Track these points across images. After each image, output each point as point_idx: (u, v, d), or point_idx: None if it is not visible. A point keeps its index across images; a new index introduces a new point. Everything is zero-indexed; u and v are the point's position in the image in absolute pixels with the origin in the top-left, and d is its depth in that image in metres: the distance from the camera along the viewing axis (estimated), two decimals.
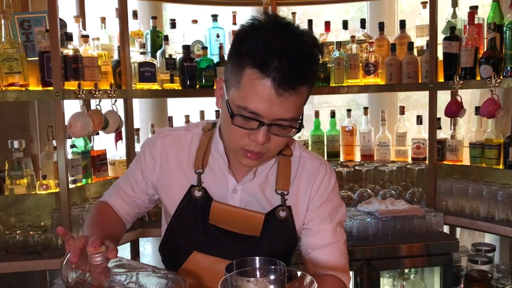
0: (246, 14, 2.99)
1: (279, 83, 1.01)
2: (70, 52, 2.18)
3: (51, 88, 2.07)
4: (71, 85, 2.15)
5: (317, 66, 1.10)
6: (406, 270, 2.59)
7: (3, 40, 2.07)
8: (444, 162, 2.70)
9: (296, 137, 2.82)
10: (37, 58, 2.15)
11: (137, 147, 2.60)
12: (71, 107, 2.27)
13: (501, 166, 2.47)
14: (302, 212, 1.29)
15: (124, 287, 0.91)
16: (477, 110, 2.55)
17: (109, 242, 1.00)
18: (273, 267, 0.71)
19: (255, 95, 1.03)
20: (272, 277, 0.69)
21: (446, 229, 2.65)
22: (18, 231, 2.16)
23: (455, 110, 2.54)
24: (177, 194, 1.27)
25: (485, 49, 2.47)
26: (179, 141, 1.29)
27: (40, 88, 2.13)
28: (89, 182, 2.41)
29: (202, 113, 2.76)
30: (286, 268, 0.72)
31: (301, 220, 1.29)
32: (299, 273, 0.74)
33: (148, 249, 3.46)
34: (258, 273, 0.71)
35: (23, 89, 2.07)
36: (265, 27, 1.05)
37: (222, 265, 1.17)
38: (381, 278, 2.41)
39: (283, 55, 1.01)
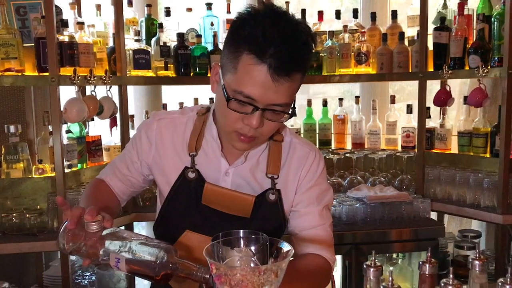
0: (240, 3, 3.02)
1: (275, 69, 1.05)
2: (66, 39, 2.21)
3: (47, 74, 2.11)
4: (67, 71, 2.19)
5: (311, 54, 1.15)
6: (394, 255, 2.66)
7: None
8: (433, 150, 2.76)
9: (288, 125, 2.88)
10: (33, 44, 2.18)
11: (132, 133, 2.64)
12: (67, 93, 2.31)
13: (487, 155, 2.53)
14: (290, 195, 1.34)
15: (117, 255, 0.96)
16: (466, 99, 2.61)
17: (105, 213, 1.05)
18: (254, 236, 0.76)
19: (251, 80, 1.06)
20: (253, 247, 0.74)
21: (434, 216, 2.71)
22: (15, 214, 2.21)
23: (443, 99, 2.59)
24: (171, 175, 1.32)
25: (474, 40, 2.52)
26: (174, 124, 1.34)
27: (36, 73, 2.17)
28: (84, 167, 2.45)
29: (196, 100, 2.80)
30: (268, 238, 0.77)
31: (289, 203, 1.35)
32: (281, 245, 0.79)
33: (143, 233, 3.50)
34: (241, 242, 0.76)
35: (19, 74, 2.11)
36: (262, 14, 1.09)
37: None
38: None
39: (280, 42, 1.04)
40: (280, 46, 1.04)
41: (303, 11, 2.84)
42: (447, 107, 2.70)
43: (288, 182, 1.33)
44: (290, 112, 1.15)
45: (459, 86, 3.09)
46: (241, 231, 0.84)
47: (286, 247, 0.76)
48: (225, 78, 1.13)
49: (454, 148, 2.73)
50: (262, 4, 1.12)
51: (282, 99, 1.10)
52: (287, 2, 2.89)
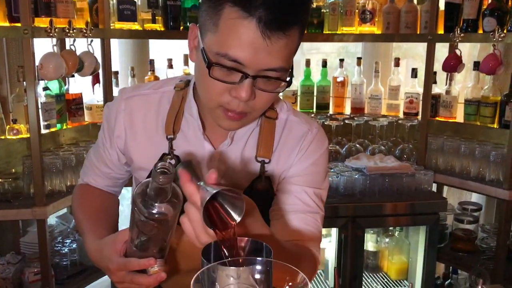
0: None
1: (266, 23, 0.84)
2: None
3: (19, 24, 1.88)
4: (42, 22, 1.96)
5: (309, 4, 0.93)
6: (391, 227, 2.55)
7: None
8: (437, 118, 2.61)
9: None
10: None
11: (115, 91, 2.44)
12: (44, 46, 2.09)
13: (495, 125, 2.39)
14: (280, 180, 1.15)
15: None
16: (476, 65, 2.43)
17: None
18: (259, 258, 0.59)
19: (236, 39, 0.86)
20: (258, 267, 0.59)
21: (434, 185, 2.59)
22: None
23: (453, 64, 2.41)
24: (146, 163, 1.11)
25: (490, 0, 2.31)
26: (146, 102, 1.12)
27: (6, 24, 1.94)
28: (64, 127, 2.27)
29: (186, 57, 2.59)
30: (272, 258, 0.61)
31: None
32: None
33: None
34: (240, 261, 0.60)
35: None
36: None
37: None
38: (365, 234, 2.37)
39: None
40: None
41: None
42: (455, 73, 2.52)
43: (279, 167, 1.12)
44: (287, 79, 0.94)
45: (468, 50, 2.90)
46: (243, 240, 0.67)
47: (300, 276, 0.59)
48: (204, 40, 0.91)
49: (459, 117, 2.57)
50: None
51: (277, 62, 0.89)
52: None
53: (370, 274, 2.62)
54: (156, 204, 0.80)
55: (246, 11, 0.84)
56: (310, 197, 1.12)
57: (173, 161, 1.08)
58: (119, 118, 1.13)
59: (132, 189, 1.27)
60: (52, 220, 2.41)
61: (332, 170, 2.37)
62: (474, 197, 2.88)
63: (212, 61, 0.89)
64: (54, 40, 2.03)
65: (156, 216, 0.80)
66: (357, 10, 2.58)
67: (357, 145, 2.61)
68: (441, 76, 2.65)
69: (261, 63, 0.88)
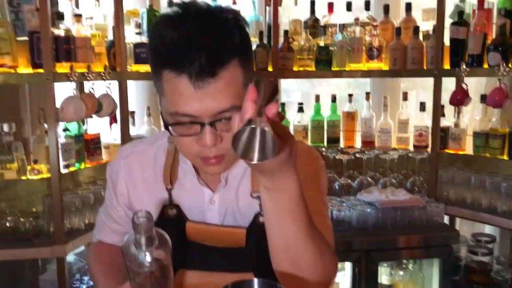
0: None
1: (196, 75, 0.90)
2: (62, 33, 2.08)
3: (41, 70, 1.98)
4: (63, 67, 2.06)
5: (236, 36, 0.94)
6: (405, 260, 2.55)
7: None
8: (446, 150, 2.64)
9: (296, 122, 2.76)
10: (27, 38, 2.05)
11: (132, 131, 2.53)
12: (64, 89, 2.19)
13: (505, 157, 2.41)
14: None
15: None
16: (483, 98, 2.48)
17: None
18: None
19: (179, 97, 0.92)
20: None
21: (446, 217, 2.60)
22: (9, 218, 2.10)
23: (460, 98, 2.46)
24: None
25: (494, 36, 2.38)
26: (143, 158, 1.18)
27: (30, 70, 2.04)
28: (83, 166, 2.34)
29: None
30: None
31: None
32: None
33: None
34: None
35: (12, 71, 1.98)
36: (163, 20, 0.95)
37: (211, 278, 1.10)
38: (379, 268, 2.38)
39: (187, 44, 0.90)
40: (189, 47, 0.90)
41: (312, 3, 2.71)
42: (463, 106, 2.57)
43: None
44: None
45: (475, 84, 2.96)
46: (255, 281, 0.72)
47: None
48: (161, 104, 0.99)
49: (469, 149, 2.61)
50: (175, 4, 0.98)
51: (225, 104, 0.92)
52: None
53: None
54: (145, 253, 0.83)
55: (177, 70, 0.91)
56: (314, 198, 1.05)
57: (174, 211, 1.13)
58: (120, 176, 1.18)
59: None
60: (70, 257, 2.45)
61: (344, 204, 2.41)
62: (488, 228, 2.88)
63: (169, 122, 0.96)
64: (74, 83, 2.12)
65: (149, 264, 0.83)
66: (364, 47, 2.66)
67: (369, 178, 2.65)
68: (450, 107, 2.70)
69: (210, 109, 0.92)
